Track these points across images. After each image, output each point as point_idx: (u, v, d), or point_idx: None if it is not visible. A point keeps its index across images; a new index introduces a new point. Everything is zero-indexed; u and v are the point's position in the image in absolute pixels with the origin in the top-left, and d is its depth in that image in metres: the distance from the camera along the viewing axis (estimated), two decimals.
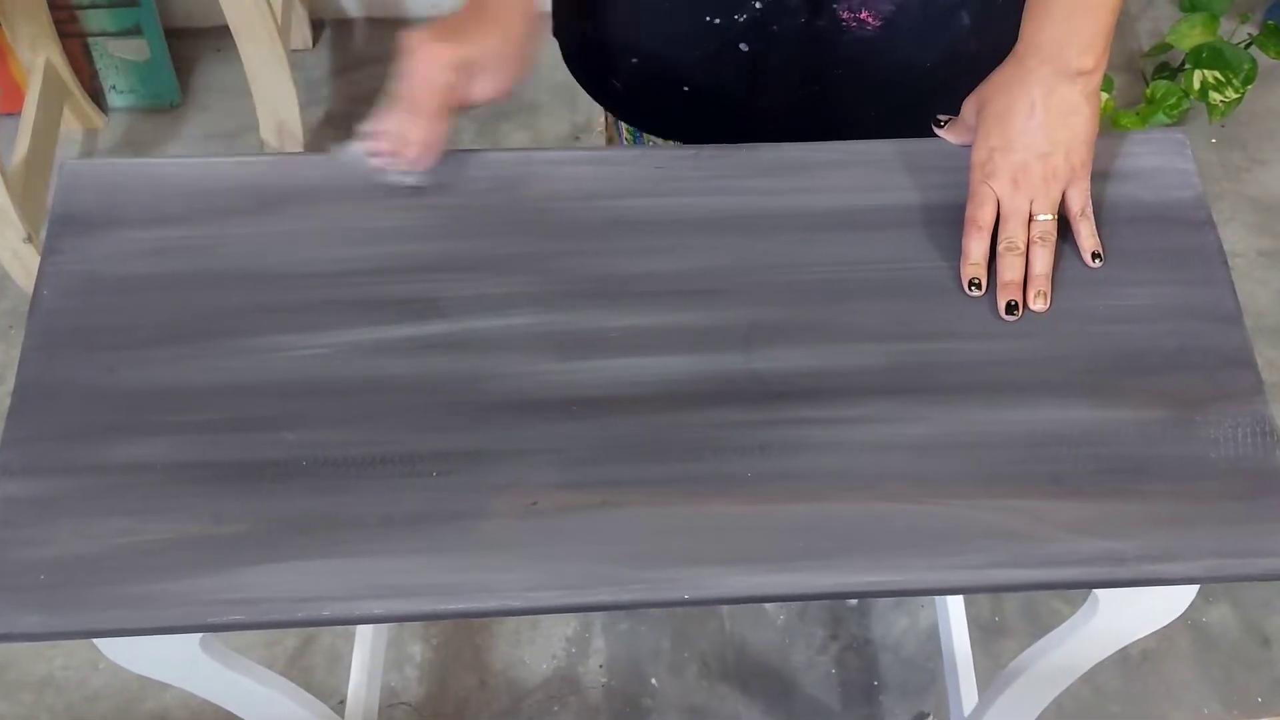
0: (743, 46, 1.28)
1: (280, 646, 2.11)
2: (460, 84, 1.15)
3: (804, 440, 1.06)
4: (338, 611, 0.98)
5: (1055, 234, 1.15)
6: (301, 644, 2.11)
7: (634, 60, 1.34)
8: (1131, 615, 1.22)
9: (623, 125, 1.52)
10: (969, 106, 1.20)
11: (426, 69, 1.13)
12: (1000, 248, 1.15)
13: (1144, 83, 2.82)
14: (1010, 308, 1.13)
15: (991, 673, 1.65)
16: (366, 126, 1.18)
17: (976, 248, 1.15)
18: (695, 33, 1.28)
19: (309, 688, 1.73)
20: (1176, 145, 1.24)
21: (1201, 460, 1.05)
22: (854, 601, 2.16)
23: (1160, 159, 1.23)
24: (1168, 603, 1.18)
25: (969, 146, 1.18)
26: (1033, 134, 1.13)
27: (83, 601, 0.97)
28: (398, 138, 1.16)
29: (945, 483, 1.03)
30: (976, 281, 1.14)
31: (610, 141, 1.60)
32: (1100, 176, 1.20)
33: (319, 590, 0.98)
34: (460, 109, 1.17)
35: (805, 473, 1.04)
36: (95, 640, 1.07)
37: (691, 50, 1.30)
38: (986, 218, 1.15)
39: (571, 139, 2.80)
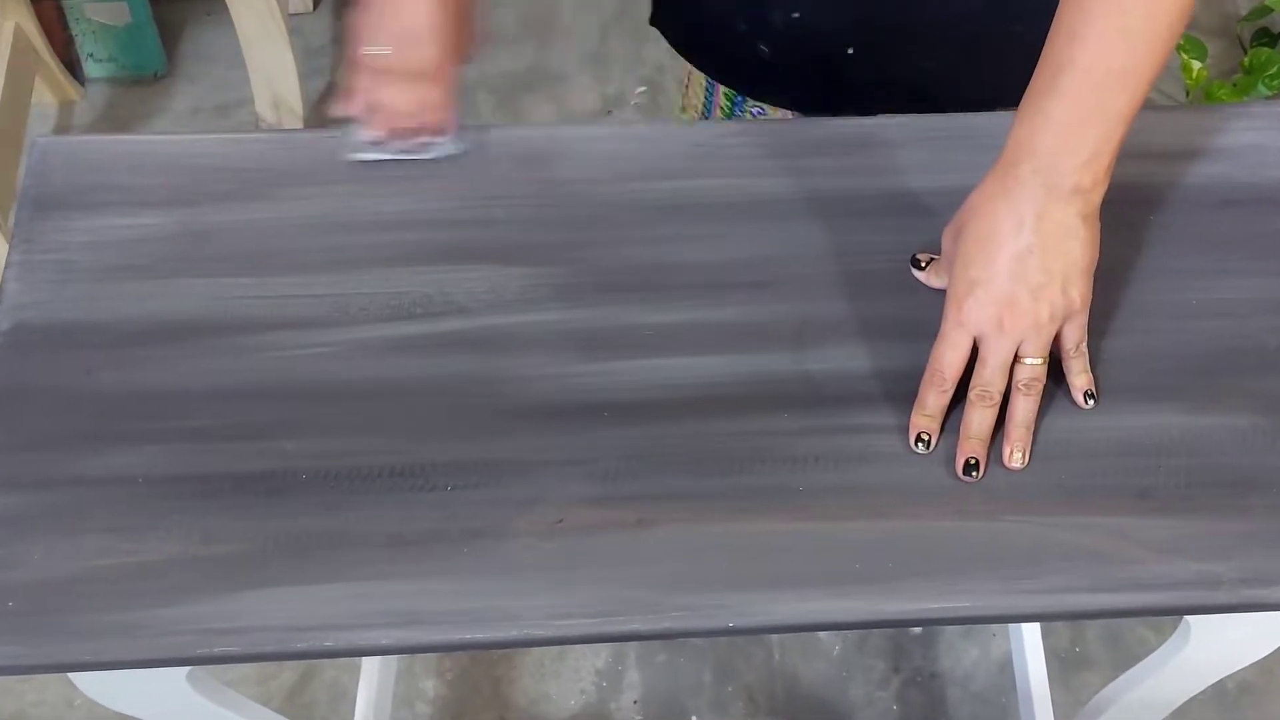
0: None
1: (277, 681, 2.12)
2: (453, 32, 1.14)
3: (862, 450, 1.05)
4: (341, 642, 0.97)
5: (1044, 380, 1.06)
6: (301, 678, 2.11)
7: (794, 14, 1.29)
8: (1227, 645, 1.21)
9: (718, 93, 1.49)
10: (947, 235, 1.10)
11: (402, 25, 1.11)
12: (971, 394, 1.05)
13: (1241, 50, 2.81)
14: (969, 467, 1.04)
15: (1072, 709, 1.64)
16: (349, 108, 1.16)
17: (934, 399, 1.06)
18: None
19: None
20: (1277, 120, 1.23)
21: None
22: (918, 630, 2.16)
23: (1259, 135, 1.23)
24: (1268, 631, 1.18)
25: None
26: (1023, 262, 1.02)
27: (56, 631, 0.97)
28: (411, 107, 1.14)
29: (1019, 498, 1.03)
30: (925, 438, 1.06)
31: (686, 110, 1.58)
32: (1192, 155, 1.20)
33: (320, 618, 0.97)
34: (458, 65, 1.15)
35: (864, 486, 1.04)
36: (70, 674, 1.08)
37: None
38: (955, 365, 1.06)
39: (602, 113, 2.80)
